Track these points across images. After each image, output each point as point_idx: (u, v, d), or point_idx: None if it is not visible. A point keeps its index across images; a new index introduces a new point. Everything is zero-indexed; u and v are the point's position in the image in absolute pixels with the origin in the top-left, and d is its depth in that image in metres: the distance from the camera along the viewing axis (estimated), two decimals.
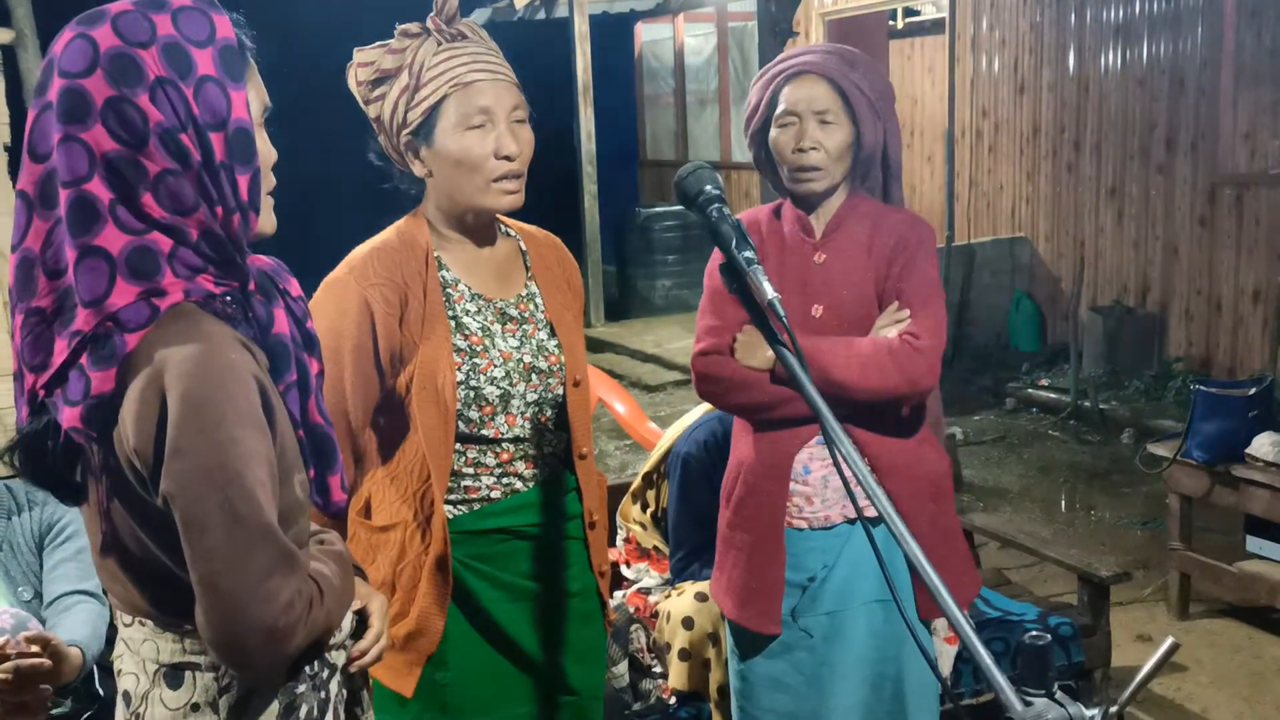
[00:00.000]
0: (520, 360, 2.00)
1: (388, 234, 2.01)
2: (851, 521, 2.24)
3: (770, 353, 2.15)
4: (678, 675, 2.95)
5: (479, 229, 2.03)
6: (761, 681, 2.30)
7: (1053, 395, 7.19)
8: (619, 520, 3.32)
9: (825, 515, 2.24)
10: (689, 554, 3.08)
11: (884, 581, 2.23)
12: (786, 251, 2.25)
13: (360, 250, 1.99)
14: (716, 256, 2.30)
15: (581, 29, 9.61)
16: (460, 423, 1.96)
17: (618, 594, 3.18)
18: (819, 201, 2.25)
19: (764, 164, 2.32)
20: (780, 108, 2.22)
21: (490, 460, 2.00)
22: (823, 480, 2.23)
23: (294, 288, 1.45)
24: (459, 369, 1.94)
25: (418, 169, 1.98)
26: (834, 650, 2.23)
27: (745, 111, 2.32)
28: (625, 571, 3.25)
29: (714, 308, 2.25)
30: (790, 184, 2.24)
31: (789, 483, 2.23)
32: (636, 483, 3.35)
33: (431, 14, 1.93)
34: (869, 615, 2.23)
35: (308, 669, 1.44)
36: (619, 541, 3.29)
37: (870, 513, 2.22)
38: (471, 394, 1.95)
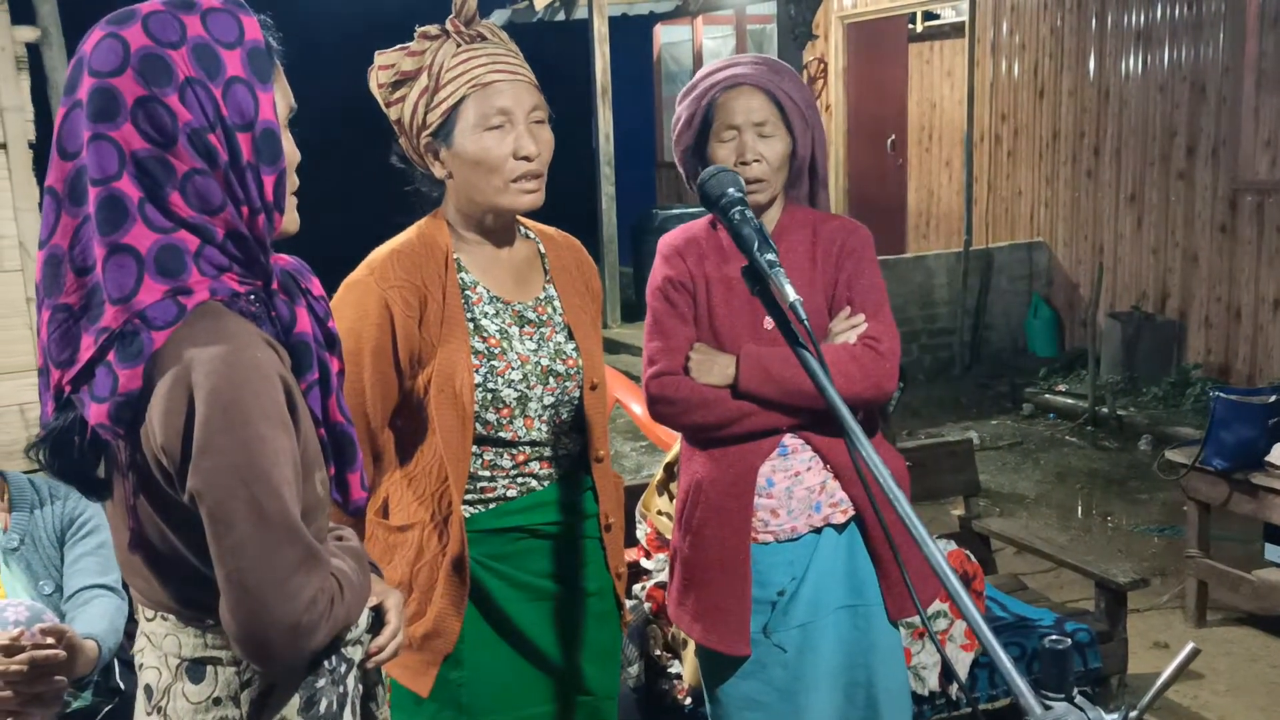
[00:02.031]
0: (538, 363, 2.00)
1: (408, 235, 2.02)
2: (818, 531, 2.23)
3: (730, 369, 2.15)
4: (693, 673, 2.95)
5: (498, 230, 2.03)
6: (735, 703, 2.27)
7: (1070, 401, 7.17)
8: (640, 512, 3.32)
9: (791, 527, 2.22)
10: None
11: (851, 588, 2.22)
12: (729, 265, 2.22)
13: (380, 251, 2.00)
14: (656, 275, 2.26)
15: (600, 30, 9.62)
16: (478, 424, 1.96)
17: (636, 587, 3.18)
18: (759, 212, 2.22)
19: (695, 177, 2.26)
20: (718, 121, 2.19)
21: (506, 462, 2.01)
22: (786, 491, 2.21)
23: (316, 287, 1.46)
24: (477, 371, 1.95)
25: (437, 170, 1.99)
26: (806, 662, 2.21)
27: (675, 127, 2.27)
28: (646, 563, 3.25)
29: (660, 329, 2.23)
30: None
31: (754, 499, 2.21)
32: (660, 474, 3.35)
33: (451, 16, 1.94)
34: (837, 623, 2.22)
35: (327, 664, 1.45)
36: (640, 534, 3.29)
37: (837, 519, 2.23)
38: (489, 396, 1.95)
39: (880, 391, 2.16)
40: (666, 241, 2.29)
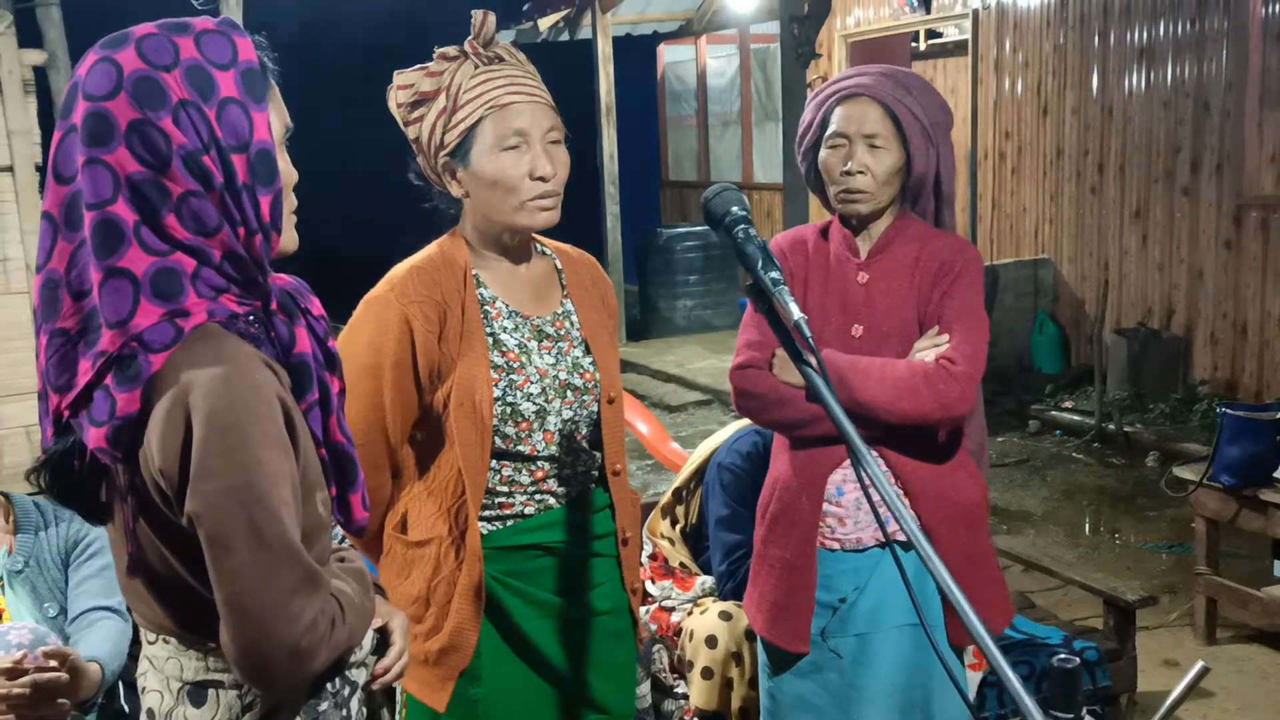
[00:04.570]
0: (556, 377, 2.01)
1: (427, 252, 2.04)
2: (883, 545, 2.22)
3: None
4: (700, 694, 2.94)
5: (516, 247, 2.05)
6: (790, 701, 2.29)
7: (1076, 418, 7.15)
8: (646, 535, 3.31)
9: (857, 537, 2.23)
10: (735, 563, 3.07)
11: (915, 606, 2.21)
12: (830, 270, 2.27)
13: (400, 268, 2.02)
14: None
15: (605, 50, 9.67)
16: (497, 438, 1.97)
17: (640, 610, 3.17)
18: (866, 222, 2.25)
19: (814, 183, 2.33)
20: (831, 128, 2.23)
21: (524, 478, 2.01)
22: (855, 502, 2.22)
23: (315, 307, 1.46)
24: (496, 385, 1.96)
25: (454, 189, 2.00)
26: (862, 673, 2.22)
27: (799, 129, 2.33)
28: (650, 587, 3.24)
29: (756, 322, 2.25)
30: (836, 204, 2.25)
31: (822, 503, 2.23)
32: (666, 498, 3.35)
33: (469, 37, 1.95)
34: (899, 640, 2.21)
35: (329, 686, 1.45)
36: (644, 558, 3.28)
37: (901, 537, 2.21)
38: (508, 410, 1.96)
39: (947, 413, 2.11)
40: (775, 241, 2.32)
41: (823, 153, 2.24)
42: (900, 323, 2.21)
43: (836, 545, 2.24)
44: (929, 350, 2.16)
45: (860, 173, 2.18)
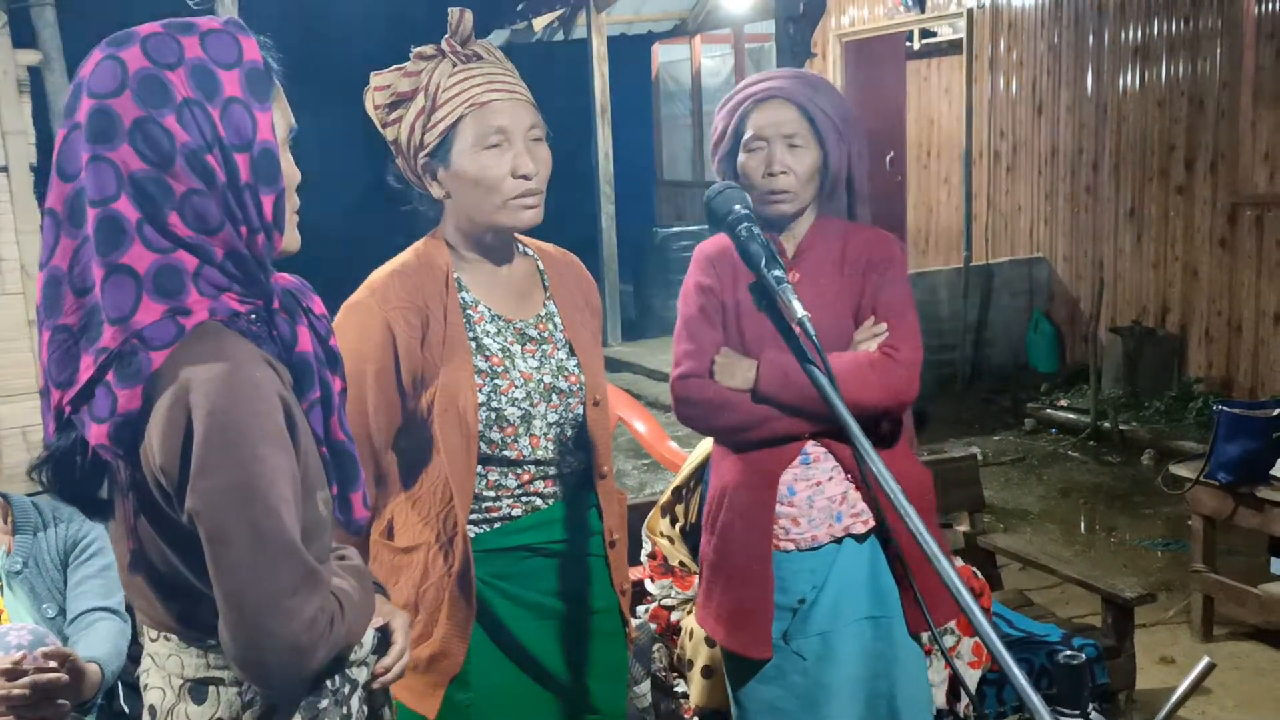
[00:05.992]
0: (540, 381, 2.00)
1: (407, 256, 2.02)
2: (838, 541, 2.23)
3: (750, 373, 2.18)
4: (700, 693, 2.94)
5: (498, 248, 2.03)
6: (757, 707, 2.29)
7: (1072, 416, 7.16)
8: (645, 534, 3.31)
9: (812, 535, 2.23)
10: None
11: (873, 599, 2.23)
12: None
13: (380, 273, 2.00)
14: (689, 281, 2.31)
15: (599, 50, 9.66)
16: (482, 444, 1.96)
17: (640, 609, 3.17)
18: (788, 223, 2.27)
19: None
20: (749, 133, 2.24)
21: (511, 482, 2.00)
22: (808, 500, 2.22)
23: (317, 306, 1.46)
24: (480, 390, 1.94)
25: (435, 190, 1.98)
26: (827, 671, 2.23)
27: (712, 137, 2.33)
28: (649, 586, 3.24)
29: (689, 332, 2.27)
30: (760, 206, 2.24)
31: (775, 505, 2.22)
32: (666, 496, 3.34)
33: (446, 36, 1.94)
34: (859, 633, 2.23)
35: (329, 684, 1.45)
36: (643, 557, 3.28)
37: (857, 529, 2.24)
38: (493, 415, 1.95)
39: (897, 400, 2.17)
40: (701, 249, 2.33)
41: (742, 157, 2.25)
42: (835, 318, 2.23)
43: (791, 545, 2.24)
44: (870, 341, 2.20)
45: (783, 173, 2.20)
